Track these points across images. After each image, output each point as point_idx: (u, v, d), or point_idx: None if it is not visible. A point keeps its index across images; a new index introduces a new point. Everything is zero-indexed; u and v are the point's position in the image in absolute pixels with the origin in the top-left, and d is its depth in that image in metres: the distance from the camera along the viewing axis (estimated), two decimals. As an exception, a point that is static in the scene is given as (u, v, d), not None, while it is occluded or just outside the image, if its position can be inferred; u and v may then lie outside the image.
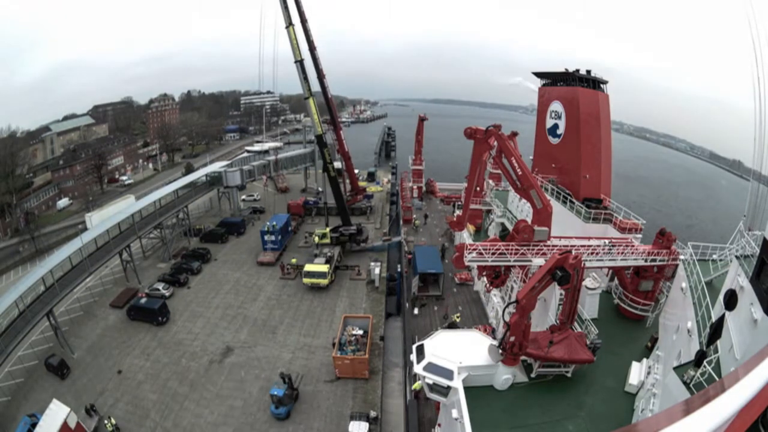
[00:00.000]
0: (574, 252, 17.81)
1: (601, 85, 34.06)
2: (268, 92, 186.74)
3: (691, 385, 12.65)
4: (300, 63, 45.07)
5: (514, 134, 59.25)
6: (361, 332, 31.17)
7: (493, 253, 22.47)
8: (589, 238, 24.50)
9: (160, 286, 40.24)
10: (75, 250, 35.06)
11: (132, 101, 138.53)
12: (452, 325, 33.42)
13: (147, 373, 30.33)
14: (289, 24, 44.03)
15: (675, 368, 14.23)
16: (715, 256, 20.01)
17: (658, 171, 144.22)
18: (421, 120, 72.35)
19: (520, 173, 23.06)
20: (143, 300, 36.84)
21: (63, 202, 77.43)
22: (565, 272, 16.86)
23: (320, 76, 51.34)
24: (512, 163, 23.13)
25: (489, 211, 46.88)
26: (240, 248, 50.96)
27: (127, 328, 35.38)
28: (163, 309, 35.94)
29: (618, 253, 23.08)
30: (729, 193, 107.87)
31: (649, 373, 17.46)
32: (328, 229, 48.83)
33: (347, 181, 60.33)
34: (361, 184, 74.17)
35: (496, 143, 23.43)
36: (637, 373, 18.18)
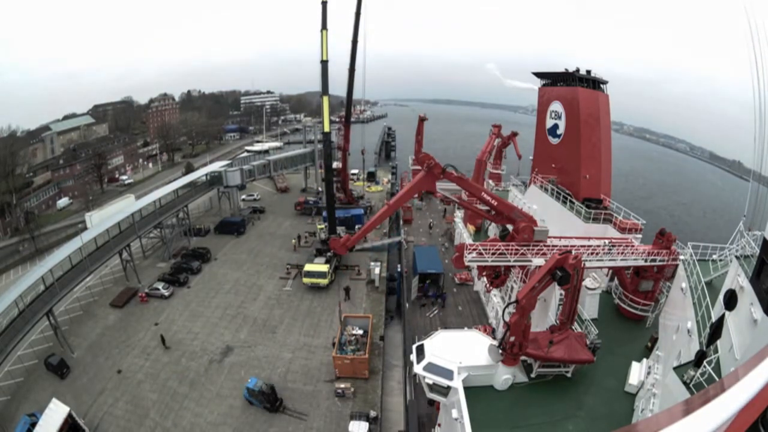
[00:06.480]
0: (574, 252, 17.79)
1: (601, 85, 34.05)
2: (268, 92, 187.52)
3: (691, 385, 12.64)
4: (324, 63, 46.11)
5: (514, 134, 59.22)
6: (361, 332, 31.20)
7: (493, 253, 22.44)
8: (589, 238, 24.44)
9: (160, 285, 40.28)
10: (75, 249, 35.03)
11: (132, 101, 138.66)
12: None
13: (147, 372, 30.35)
14: (324, 27, 47.04)
15: (675, 368, 14.21)
16: (715, 256, 20.01)
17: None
18: (421, 120, 72.15)
19: (495, 204, 22.38)
20: None
21: (63, 202, 77.24)
22: (565, 272, 16.80)
23: (351, 75, 53.37)
24: (484, 198, 22.39)
25: (489, 211, 46.81)
26: (240, 248, 50.96)
27: (127, 327, 35.39)
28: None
29: (618, 253, 23.03)
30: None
31: (649, 373, 17.44)
32: (320, 225, 48.92)
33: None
34: (361, 184, 74.30)
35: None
36: (637, 373, 18.14)
